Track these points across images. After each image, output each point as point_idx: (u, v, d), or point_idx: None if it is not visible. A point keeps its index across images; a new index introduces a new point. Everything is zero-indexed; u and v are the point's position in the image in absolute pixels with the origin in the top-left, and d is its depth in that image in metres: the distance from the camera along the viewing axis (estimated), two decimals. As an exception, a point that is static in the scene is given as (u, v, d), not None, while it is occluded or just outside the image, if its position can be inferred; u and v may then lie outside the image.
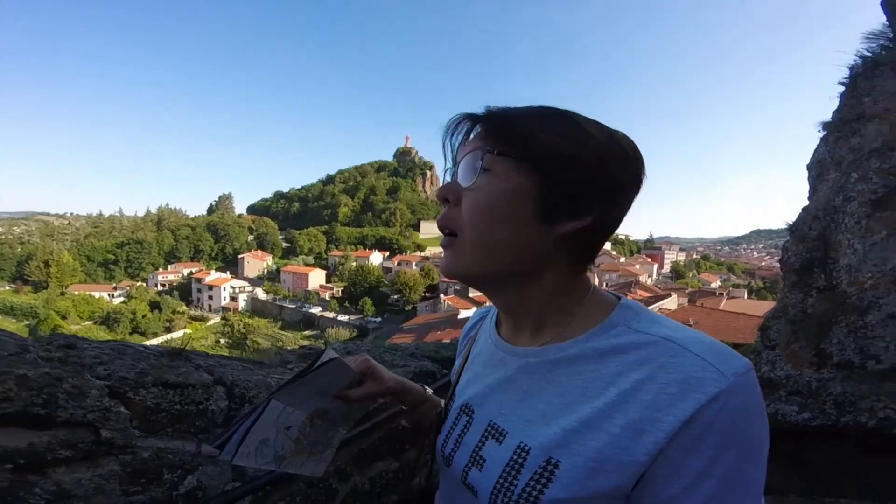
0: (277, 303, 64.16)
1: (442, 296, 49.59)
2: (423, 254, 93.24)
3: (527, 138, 0.51)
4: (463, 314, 34.65)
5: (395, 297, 61.84)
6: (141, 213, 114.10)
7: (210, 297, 66.00)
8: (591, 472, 0.45)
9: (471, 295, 47.29)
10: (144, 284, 73.27)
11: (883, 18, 3.41)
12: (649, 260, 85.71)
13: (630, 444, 0.45)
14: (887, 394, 2.34)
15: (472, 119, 0.55)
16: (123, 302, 59.63)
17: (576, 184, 0.50)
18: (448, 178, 0.58)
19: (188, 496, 1.00)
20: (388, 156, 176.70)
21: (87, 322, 50.84)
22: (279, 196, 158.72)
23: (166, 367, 1.05)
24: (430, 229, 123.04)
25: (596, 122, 0.54)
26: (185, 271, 76.59)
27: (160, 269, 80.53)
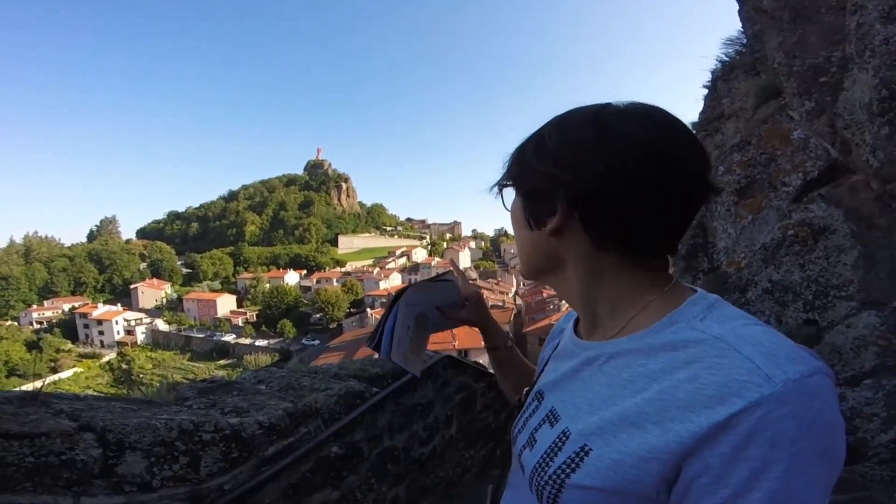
0: (183, 333, 58.71)
1: (368, 310, 48.51)
2: (343, 269, 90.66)
3: (508, 169, 0.63)
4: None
5: (318, 315, 59.29)
6: (2, 245, 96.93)
7: (101, 333, 58.34)
8: (614, 464, 0.46)
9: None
10: (16, 323, 62.74)
11: (739, 25, 3.99)
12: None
13: (656, 442, 0.44)
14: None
15: None
16: (-8, 344, 50.39)
17: (536, 189, 0.58)
18: None
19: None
20: (298, 169, 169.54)
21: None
22: (174, 217, 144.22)
23: (8, 416, 0.87)
24: (348, 244, 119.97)
25: (573, 121, 0.56)
26: (66, 306, 66.78)
27: (34, 306, 69.26)
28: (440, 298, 0.86)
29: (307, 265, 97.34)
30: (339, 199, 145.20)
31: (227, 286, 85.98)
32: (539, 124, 0.60)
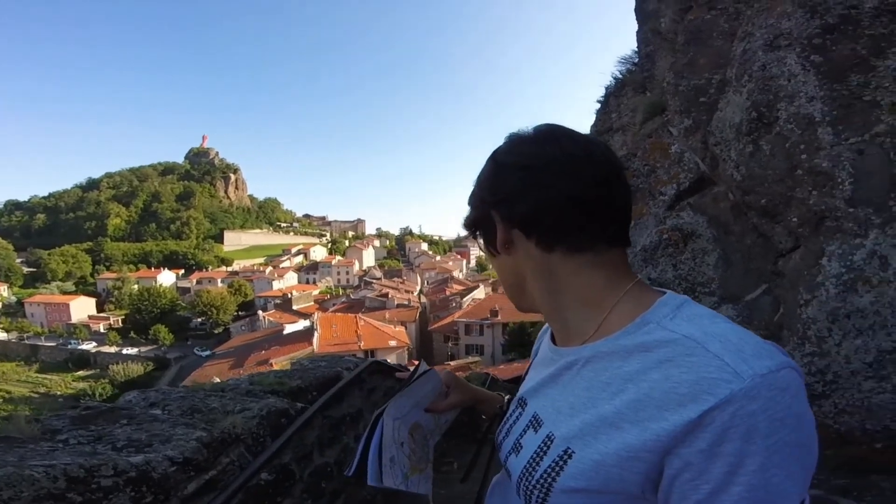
0: (27, 342, 49.22)
1: (260, 312, 45.02)
2: (229, 268, 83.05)
3: (465, 220, 0.69)
4: (289, 328, 32.01)
5: (199, 320, 53.52)
6: None
7: None
8: (596, 465, 0.48)
9: (294, 308, 44.23)
10: None
11: (635, 45, 4.44)
12: (459, 256, 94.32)
13: (634, 441, 0.46)
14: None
15: None
16: None
17: (479, 219, 0.65)
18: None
19: None
20: (178, 157, 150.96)
21: None
22: (13, 206, 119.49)
23: None
24: (236, 240, 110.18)
25: (485, 164, 0.64)
26: None
27: None
28: (426, 397, 0.77)
29: (185, 264, 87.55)
30: (226, 192, 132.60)
31: (84, 288, 73.71)
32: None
